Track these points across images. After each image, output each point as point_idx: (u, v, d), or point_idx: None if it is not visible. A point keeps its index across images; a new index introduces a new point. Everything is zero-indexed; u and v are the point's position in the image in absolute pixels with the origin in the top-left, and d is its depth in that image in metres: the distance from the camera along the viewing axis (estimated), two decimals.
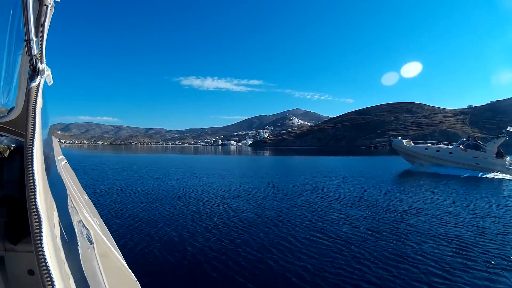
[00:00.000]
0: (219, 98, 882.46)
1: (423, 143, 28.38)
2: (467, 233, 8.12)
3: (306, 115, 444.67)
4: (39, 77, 0.81)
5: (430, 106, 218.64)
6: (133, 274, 1.30)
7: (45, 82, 0.83)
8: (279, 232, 7.83)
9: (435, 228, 8.48)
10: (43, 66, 0.86)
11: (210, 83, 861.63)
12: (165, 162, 36.44)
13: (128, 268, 1.31)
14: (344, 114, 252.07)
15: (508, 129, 24.79)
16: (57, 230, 0.74)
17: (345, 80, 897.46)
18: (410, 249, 6.81)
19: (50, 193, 0.79)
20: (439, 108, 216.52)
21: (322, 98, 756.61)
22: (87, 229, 1.26)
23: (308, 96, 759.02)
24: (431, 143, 28.08)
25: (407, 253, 6.55)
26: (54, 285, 0.58)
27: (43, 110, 0.78)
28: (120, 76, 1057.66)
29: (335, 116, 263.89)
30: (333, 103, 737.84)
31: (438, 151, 26.31)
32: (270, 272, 5.55)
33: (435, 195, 14.06)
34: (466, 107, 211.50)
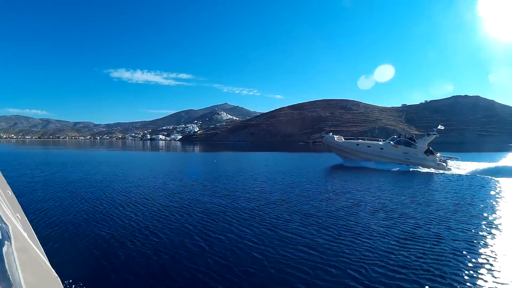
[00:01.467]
0: (148, 92, 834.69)
1: (354, 139, 29.83)
2: (392, 221, 9.05)
3: (234, 110, 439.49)
4: None
5: (365, 103, 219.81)
6: (54, 271, 1.26)
7: None
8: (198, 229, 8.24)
9: (361, 217, 9.43)
10: None
11: (140, 76, 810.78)
12: (96, 158, 37.14)
13: (49, 264, 1.27)
14: (277, 109, 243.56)
15: (438, 127, 26.18)
16: None
17: (274, 76, 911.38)
18: (337, 238, 7.46)
19: None
20: (374, 105, 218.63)
21: (251, 93, 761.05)
22: (5, 223, 1.25)
23: (237, 91, 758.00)
24: (362, 139, 29.22)
25: (334, 242, 7.19)
26: None
27: None
28: (50, 66, 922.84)
29: (267, 111, 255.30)
30: (261, 98, 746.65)
31: (369, 146, 27.36)
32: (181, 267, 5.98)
33: (362, 187, 15.40)
34: (400, 105, 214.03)
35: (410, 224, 8.73)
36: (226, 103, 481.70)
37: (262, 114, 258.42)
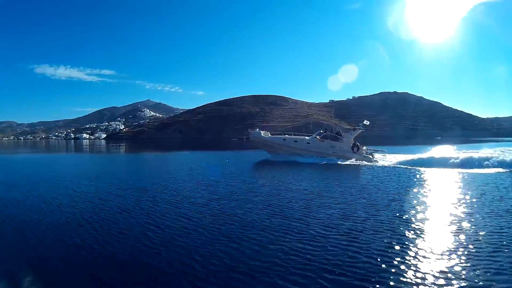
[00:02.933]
0: (71, 88, 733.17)
1: (281, 134, 30.03)
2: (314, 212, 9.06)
3: (157, 106, 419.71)
4: None
5: (294, 99, 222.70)
6: None
7: None
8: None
9: (282, 213, 9.09)
10: None
11: (63, 72, 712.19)
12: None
13: None
14: (203, 105, 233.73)
15: (364, 122, 27.30)
16: None
17: (196, 73, 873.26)
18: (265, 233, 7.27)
19: None
20: (302, 101, 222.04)
21: (173, 90, 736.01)
22: None
23: (159, 88, 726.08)
24: (289, 134, 29.52)
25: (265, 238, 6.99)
26: None
27: None
28: None
29: (193, 107, 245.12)
30: (183, 95, 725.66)
31: (295, 141, 27.78)
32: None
33: (286, 180, 15.61)
34: (328, 101, 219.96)
35: (329, 214, 8.99)
36: (148, 99, 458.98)
37: (189, 111, 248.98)
